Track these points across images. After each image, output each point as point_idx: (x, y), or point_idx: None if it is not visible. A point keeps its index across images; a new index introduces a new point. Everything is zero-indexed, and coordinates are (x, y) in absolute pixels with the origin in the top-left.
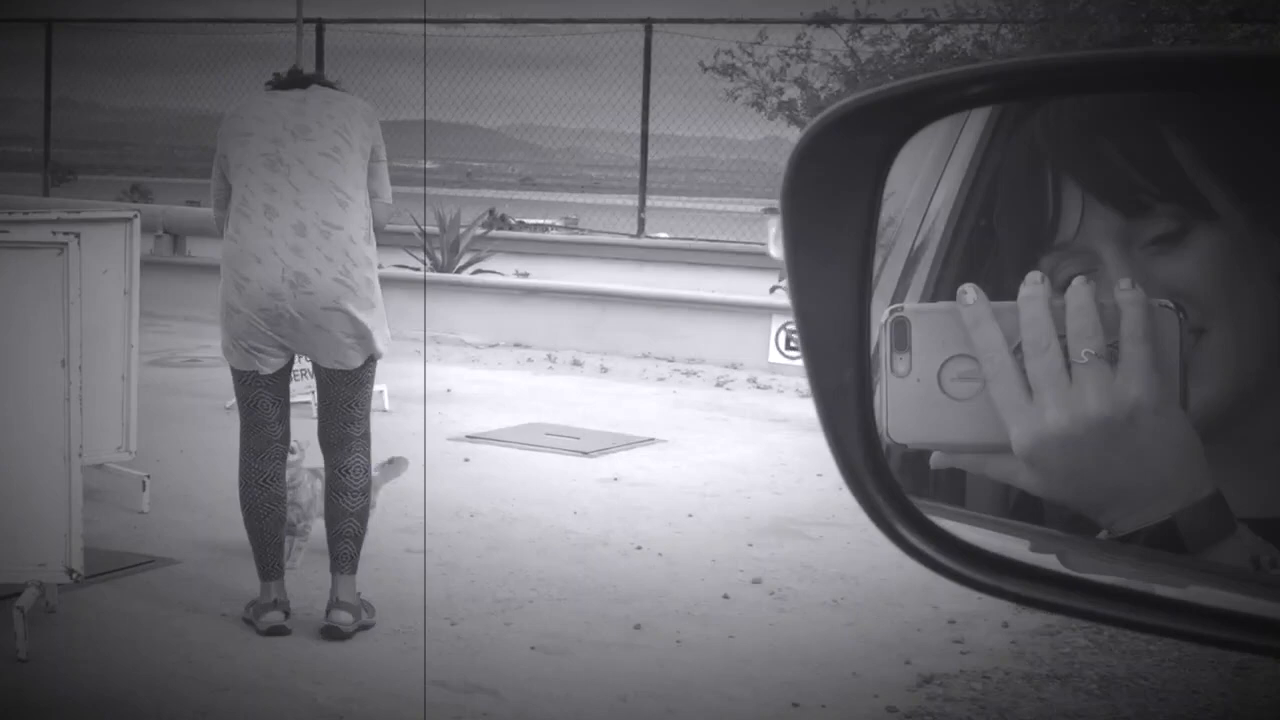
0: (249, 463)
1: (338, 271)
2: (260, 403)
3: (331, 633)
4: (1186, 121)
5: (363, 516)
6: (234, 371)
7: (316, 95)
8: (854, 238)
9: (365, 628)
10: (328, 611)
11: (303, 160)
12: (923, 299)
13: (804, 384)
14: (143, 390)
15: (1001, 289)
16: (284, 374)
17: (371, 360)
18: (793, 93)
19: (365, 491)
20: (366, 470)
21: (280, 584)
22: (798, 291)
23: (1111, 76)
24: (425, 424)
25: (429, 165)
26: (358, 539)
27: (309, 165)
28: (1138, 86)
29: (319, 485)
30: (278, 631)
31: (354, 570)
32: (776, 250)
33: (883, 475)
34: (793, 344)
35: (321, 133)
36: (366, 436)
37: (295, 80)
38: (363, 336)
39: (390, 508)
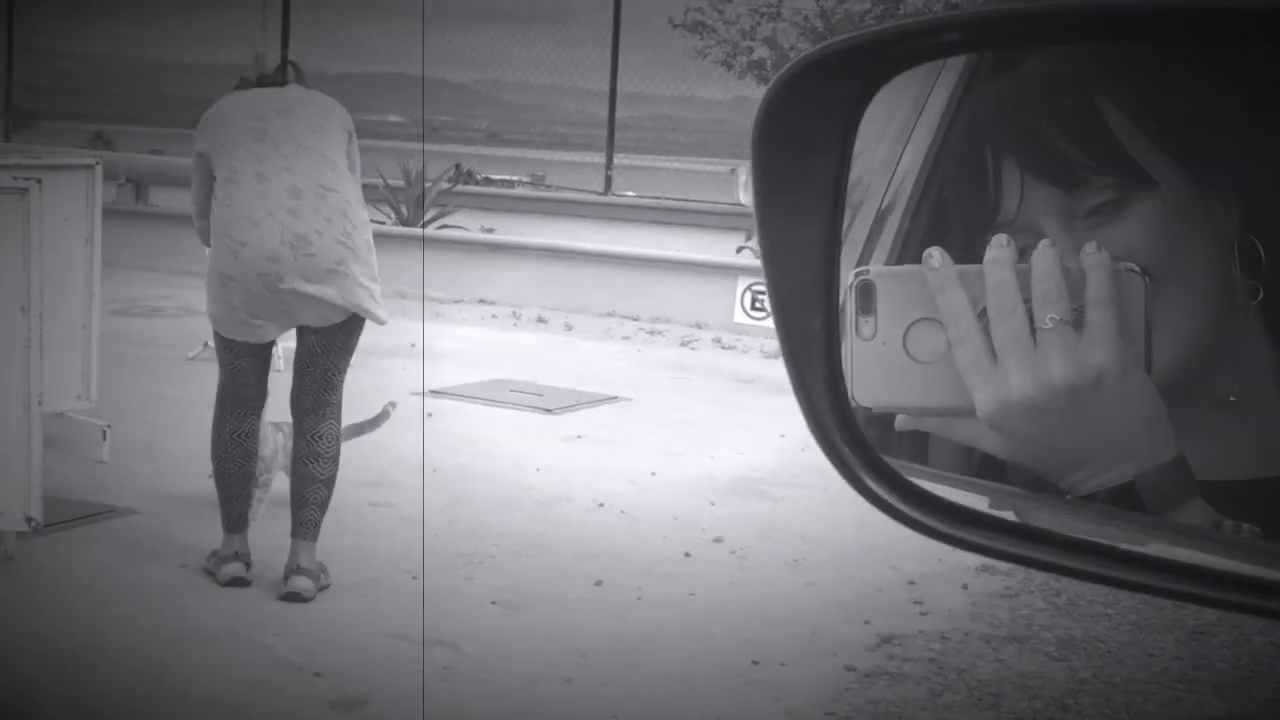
0: (224, 418)
1: (339, 233)
2: (244, 367)
3: (293, 598)
4: (1123, 92)
5: (330, 483)
6: (221, 338)
7: (293, 90)
8: (825, 184)
9: (323, 589)
10: (287, 577)
11: (290, 134)
12: (889, 261)
13: (769, 344)
14: (104, 339)
15: (969, 252)
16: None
17: (359, 327)
18: (762, 52)
19: (335, 458)
20: (338, 437)
21: (244, 537)
22: (766, 239)
23: (1084, 26)
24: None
25: (393, 118)
26: (323, 506)
27: (297, 138)
28: (1109, 37)
29: (280, 439)
30: (238, 583)
31: (316, 537)
32: (746, 198)
33: (849, 426)
34: (758, 305)
35: (304, 113)
36: (340, 403)
37: (269, 80)
38: (361, 302)
39: (353, 462)
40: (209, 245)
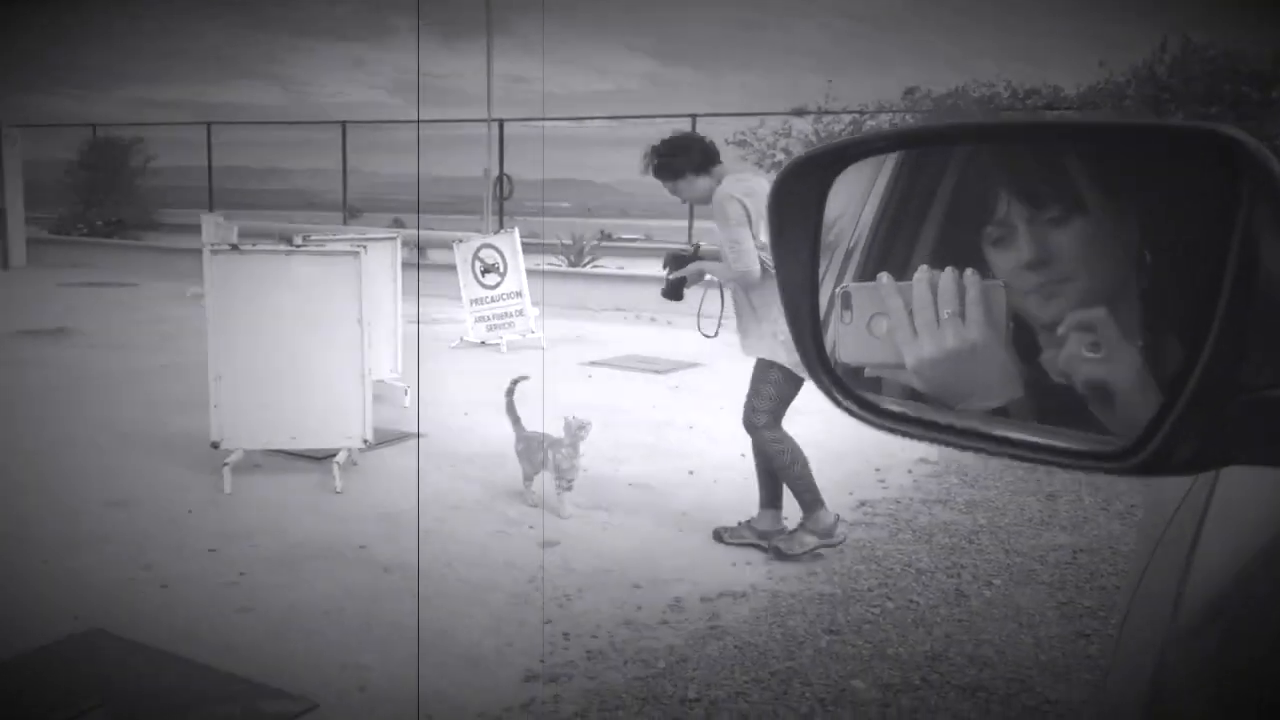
0: (779, 426)
1: None
2: (791, 395)
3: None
4: (1082, 151)
5: (779, 469)
6: (789, 373)
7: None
8: (808, 228)
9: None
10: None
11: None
12: (857, 279)
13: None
14: (404, 337)
15: (908, 271)
16: None
17: (766, 367)
18: (781, 157)
19: (768, 453)
20: (762, 441)
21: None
22: (778, 260)
23: (948, 137)
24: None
25: (565, 204)
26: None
27: None
28: (965, 141)
29: (550, 453)
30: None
31: (802, 510)
32: (764, 236)
33: (825, 364)
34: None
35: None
36: (757, 422)
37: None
38: (761, 352)
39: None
40: (752, 286)
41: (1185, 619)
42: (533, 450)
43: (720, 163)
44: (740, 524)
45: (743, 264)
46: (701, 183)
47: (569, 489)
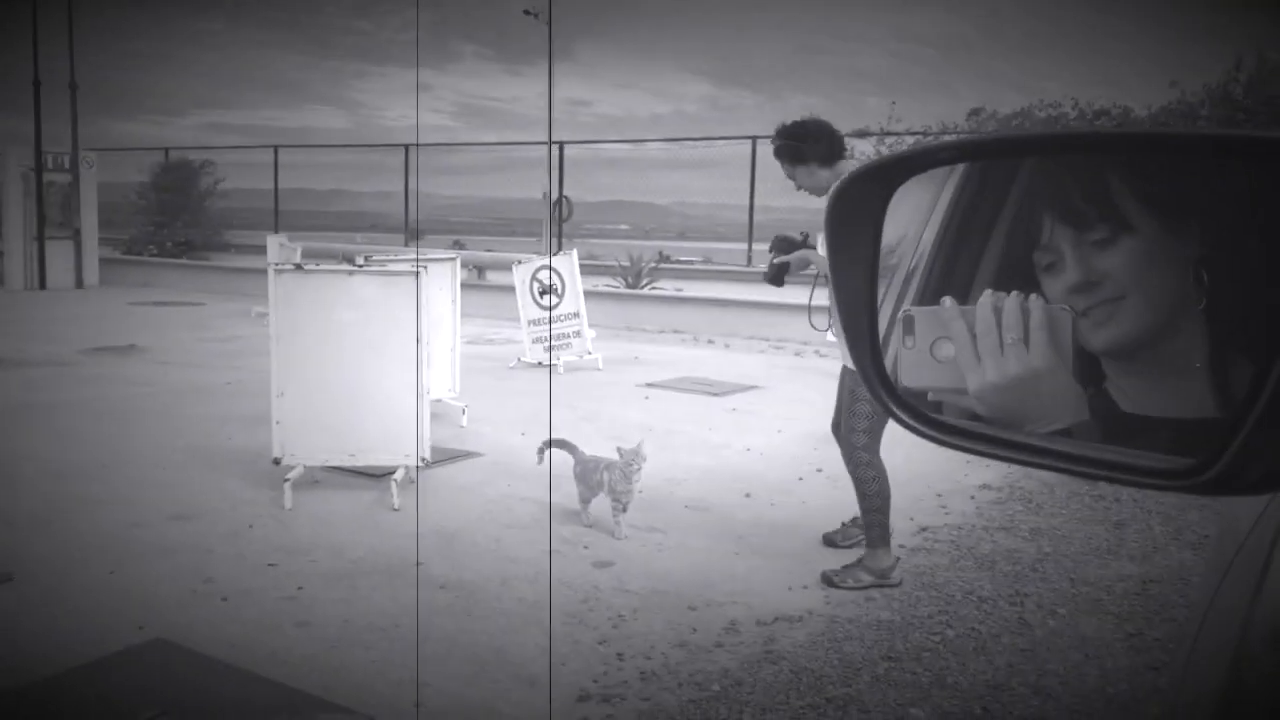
0: (876, 451)
1: None
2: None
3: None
4: (1124, 170)
5: (862, 496)
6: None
7: None
8: (868, 242)
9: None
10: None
11: None
12: (917, 303)
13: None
14: (462, 357)
15: (970, 294)
16: None
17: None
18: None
19: (858, 478)
20: (855, 462)
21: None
22: (835, 276)
23: (1014, 148)
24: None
25: (623, 226)
26: (863, 517)
27: None
28: (1031, 153)
29: (606, 475)
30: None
31: (866, 543)
32: (823, 250)
33: (885, 381)
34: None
35: None
36: (853, 440)
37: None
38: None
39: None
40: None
41: (1255, 642)
42: (589, 474)
43: (845, 157)
44: (845, 524)
45: None
46: (823, 174)
47: (624, 511)
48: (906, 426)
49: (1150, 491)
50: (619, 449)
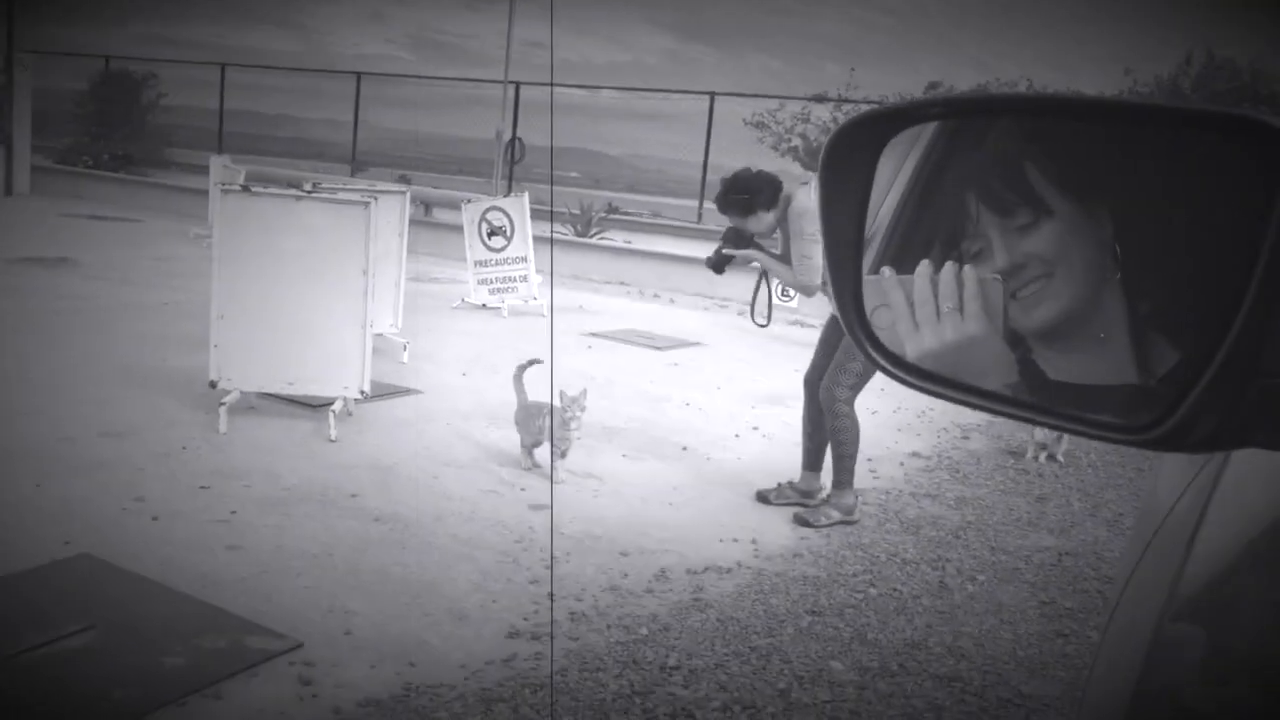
0: (854, 409)
1: None
2: (873, 374)
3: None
4: (1039, 157)
5: (835, 443)
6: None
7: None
8: (859, 191)
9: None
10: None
11: None
12: (870, 272)
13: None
14: (406, 294)
15: (910, 265)
16: None
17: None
18: (798, 142)
19: (830, 415)
20: (830, 400)
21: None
22: (825, 219)
23: (1005, 107)
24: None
25: (574, 174)
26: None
27: None
28: (1021, 113)
29: (545, 422)
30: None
31: (833, 485)
32: (814, 199)
33: (864, 322)
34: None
35: None
36: (830, 380)
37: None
38: None
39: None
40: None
41: (1182, 603)
42: (530, 418)
43: (782, 189)
44: (782, 485)
45: (808, 277)
46: (769, 216)
47: (563, 457)
48: (883, 370)
49: (1071, 468)
50: (561, 393)
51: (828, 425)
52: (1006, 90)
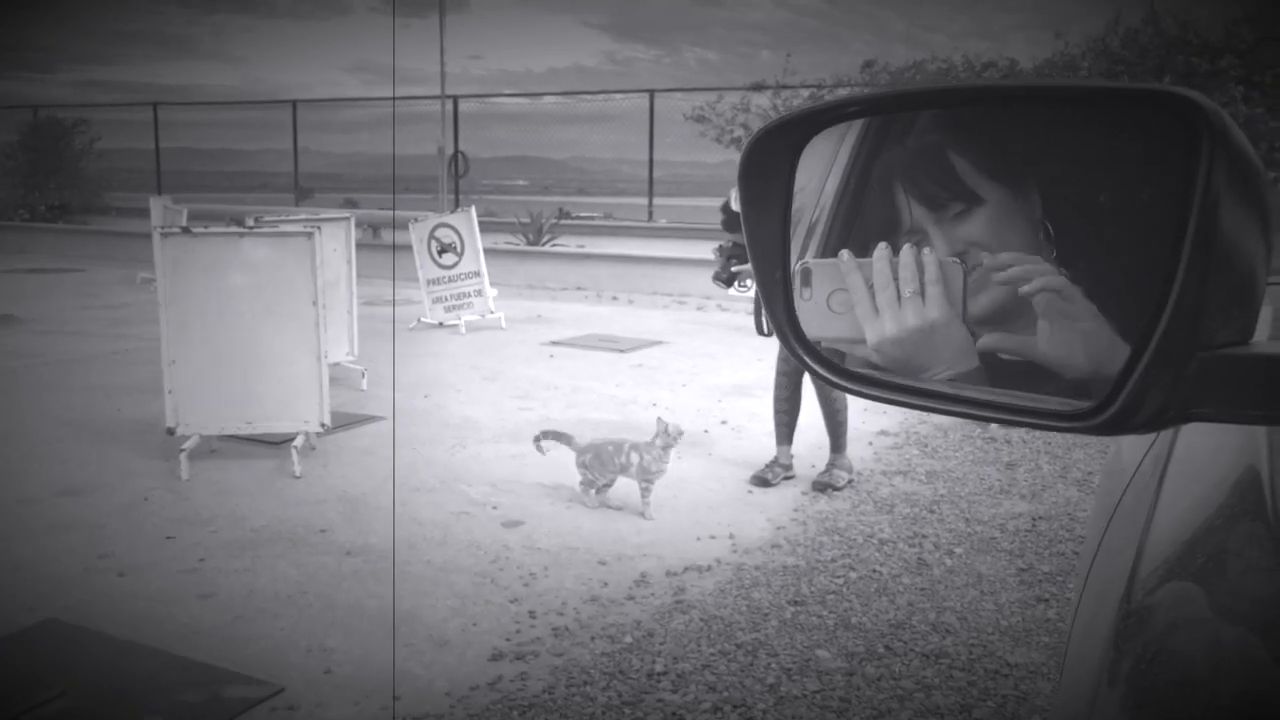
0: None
1: None
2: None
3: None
4: (963, 147)
5: (830, 413)
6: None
7: None
8: (780, 195)
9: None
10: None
11: None
12: (817, 255)
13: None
14: (360, 319)
15: (865, 249)
16: None
17: None
18: (740, 133)
19: (843, 408)
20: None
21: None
22: (749, 228)
23: (921, 101)
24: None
25: (521, 182)
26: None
27: None
28: (938, 106)
29: (636, 457)
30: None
31: (832, 449)
32: (736, 205)
33: (797, 331)
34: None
35: None
36: None
37: None
38: None
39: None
40: None
41: (1147, 575)
42: (609, 459)
43: None
44: (770, 465)
45: None
46: None
47: (649, 490)
48: (817, 376)
49: (1039, 433)
50: (660, 420)
51: (822, 397)
52: (922, 85)
